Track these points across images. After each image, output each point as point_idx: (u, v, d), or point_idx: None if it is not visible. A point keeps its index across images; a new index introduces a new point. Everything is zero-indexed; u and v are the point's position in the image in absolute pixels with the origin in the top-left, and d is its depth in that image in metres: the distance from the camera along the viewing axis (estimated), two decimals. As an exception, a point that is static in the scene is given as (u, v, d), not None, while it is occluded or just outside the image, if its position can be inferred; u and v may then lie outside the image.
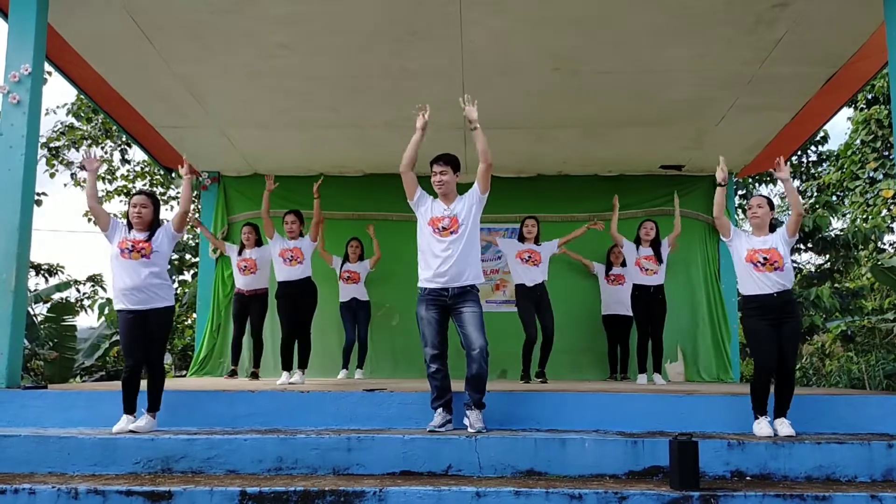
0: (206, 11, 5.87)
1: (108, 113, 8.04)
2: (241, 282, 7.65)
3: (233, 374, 7.69)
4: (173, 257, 13.38)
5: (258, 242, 7.75)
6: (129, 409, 4.69)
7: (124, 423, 4.62)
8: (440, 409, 4.70)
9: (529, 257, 7.20)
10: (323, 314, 7.67)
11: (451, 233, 4.83)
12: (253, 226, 7.85)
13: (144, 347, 4.76)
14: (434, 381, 4.75)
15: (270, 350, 8.39)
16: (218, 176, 9.51)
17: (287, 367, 6.73)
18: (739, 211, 13.08)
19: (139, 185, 13.93)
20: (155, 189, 13.99)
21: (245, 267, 7.59)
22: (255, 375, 7.64)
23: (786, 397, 4.78)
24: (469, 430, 4.62)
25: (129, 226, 4.91)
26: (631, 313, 8.07)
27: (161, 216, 5.06)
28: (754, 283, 4.86)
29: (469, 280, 4.82)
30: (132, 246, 4.77)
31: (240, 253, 7.78)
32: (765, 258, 4.82)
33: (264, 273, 7.63)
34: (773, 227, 5.11)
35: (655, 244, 7.29)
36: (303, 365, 6.78)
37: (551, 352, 7.26)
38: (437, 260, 4.80)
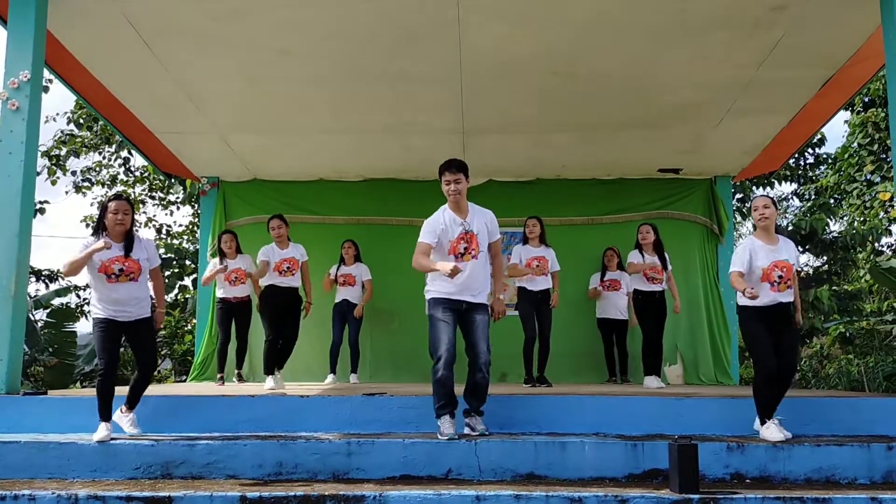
0: (205, 17, 5.88)
1: (107, 119, 8.04)
2: (229, 291, 7.54)
3: (221, 381, 7.59)
4: (173, 262, 13.39)
5: (239, 250, 7.64)
6: (108, 415, 4.57)
7: (104, 431, 4.47)
8: (448, 416, 4.62)
9: (538, 265, 7.17)
10: (315, 318, 7.65)
11: (472, 257, 4.77)
12: (233, 234, 7.71)
13: (118, 350, 4.72)
14: (444, 388, 4.61)
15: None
16: (217, 181, 9.52)
17: (270, 371, 6.74)
18: (737, 214, 13.10)
19: (138, 189, 13.95)
20: (154, 194, 14.01)
21: (236, 278, 7.50)
22: (239, 377, 7.62)
23: (782, 394, 4.78)
24: (473, 432, 4.63)
25: (97, 231, 4.67)
26: (625, 317, 8.09)
27: (137, 224, 4.95)
28: (763, 296, 4.77)
29: (482, 298, 4.84)
30: (120, 270, 4.58)
31: (221, 263, 7.56)
32: (780, 276, 4.77)
33: (249, 281, 7.61)
34: (777, 230, 5.08)
35: (659, 248, 7.28)
36: (280, 366, 6.87)
37: (549, 356, 7.25)
38: (458, 281, 4.70)
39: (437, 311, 4.74)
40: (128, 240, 4.69)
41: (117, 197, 4.79)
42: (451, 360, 4.64)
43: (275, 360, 6.80)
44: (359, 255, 8.31)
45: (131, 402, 4.77)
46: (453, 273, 4.55)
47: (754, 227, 5.10)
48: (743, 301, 4.88)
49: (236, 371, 7.70)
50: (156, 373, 5.51)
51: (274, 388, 6.46)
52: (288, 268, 6.89)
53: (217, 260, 7.66)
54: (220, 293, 7.63)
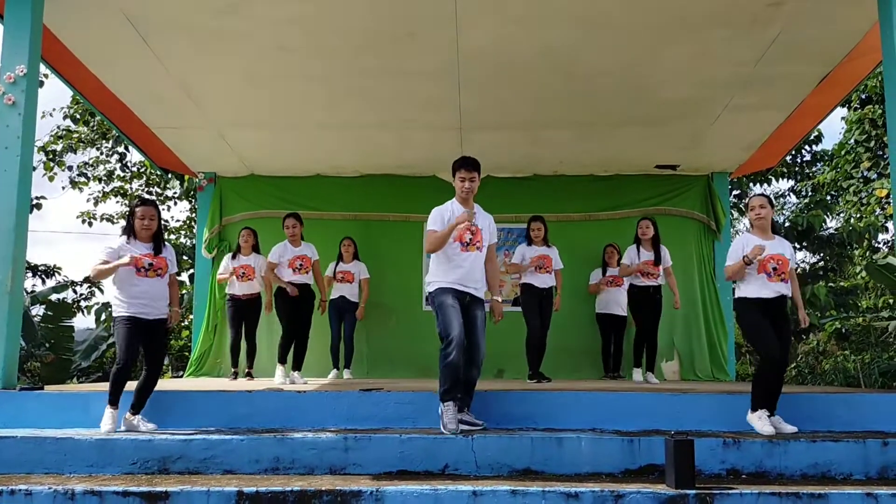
0: (203, 13, 5.86)
1: (104, 115, 8.02)
2: (237, 287, 7.57)
3: (235, 375, 7.67)
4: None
5: (255, 247, 7.70)
6: (116, 402, 4.72)
7: (110, 420, 4.63)
8: (453, 403, 4.59)
9: (542, 265, 7.16)
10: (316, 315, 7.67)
11: (476, 249, 4.88)
12: (252, 230, 7.78)
13: (140, 347, 4.86)
14: (454, 371, 4.59)
15: (266, 350, 8.38)
16: (214, 177, 9.51)
17: (283, 360, 6.86)
18: (734, 211, 13.13)
19: (135, 185, 13.92)
20: (151, 189, 13.99)
21: (243, 274, 7.53)
22: (249, 376, 7.65)
23: (779, 392, 4.81)
24: (475, 427, 4.63)
25: (128, 234, 4.93)
26: (625, 313, 8.08)
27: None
28: (759, 287, 4.81)
29: (482, 293, 4.92)
30: (149, 265, 4.84)
31: (234, 257, 7.67)
32: (774, 268, 4.79)
33: (258, 278, 7.62)
34: (774, 227, 5.10)
35: (655, 244, 7.28)
36: (298, 367, 6.92)
37: (545, 353, 7.25)
38: (461, 270, 4.83)
39: (446, 298, 4.76)
40: (156, 240, 4.97)
41: (144, 202, 5.06)
42: (462, 343, 4.65)
43: (286, 352, 6.95)
44: (357, 252, 8.31)
45: (137, 407, 4.83)
46: (468, 217, 4.73)
47: (751, 223, 5.10)
48: (743, 293, 4.90)
49: (246, 370, 7.71)
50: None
51: (284, 381, 6.53)
52: (301, 265, 6.96)
53: (229, 256, 7.74)
54: (228, 290, 7.69)
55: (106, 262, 4.79)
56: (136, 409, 4.81)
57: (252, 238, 7.69)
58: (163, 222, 5.18)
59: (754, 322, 4.85)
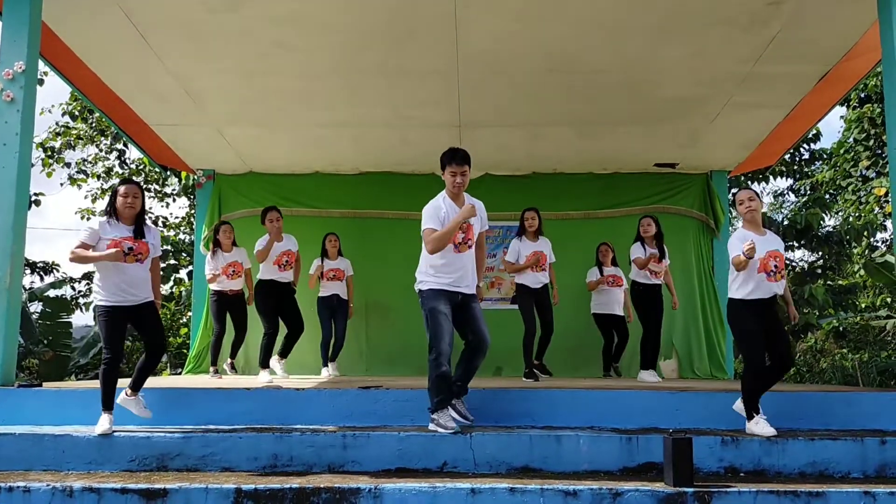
0: (202, 10, 5.86)
1: (103, 111, 8.01)
2: (226, 284, 7.47)
3: (215, 373, 7.59)
4: (169, 255, 13.40)
5: (235, 241, 7.62)
6: (110, 405, 4.58)
7: (107, 423, 4.46)
8: (447, 410, 4.59)
9: (537, 262, 7.01)
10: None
11: (468, 247, 4.81)
12: (231, 225, 7.69)
13: (124, 339, 4.76)
14: (446, 382, 4.58)
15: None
16: (213, 174, 9.50)
17: (266, 364, 6.72)
18: (733, 210, 13.11)
19: (134, 182, 13.89)
20: (150, 187, 13.98)
21: (234, 271, 7.47)
22: (233, 367, 7.62)
23: (773, 384, 4.78)
24: (465, 420, 4.62)
25: (109, 214, 4.69)
26: (622, 313, 8.05)
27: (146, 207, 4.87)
28: (755, 288, 4.75)
29: (473, 289, 4.87)
30: (130, 249, 4.61)
31: (214, 255, 7.51)
32: (776, 266, 4.77)
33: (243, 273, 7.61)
34: (765, 223, 5.07)
35: (659, 241, 7.25)
36: (285, 355, 6.99)
37: (550, 343, 7.21)
38: (456, 274, 4.75)
39: (438, 304, 4.68)
40: (138, 222, 4.73)
41: (127, 181, 4.82)
42: (450, 353, 4.63)
43: (271, 354, 6.82)
44: (341, 249, 8.26)
45: (137, 385, 4.74)
46: (472, 212, 4.66)
47: (742, 218, 5.06)
48: (737, 294, 4.83)
49: (229, 360, 7.67)
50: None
51: (270, 381, 6.46)
52: (287, 262, 6.92)
53: (209, 256, 7.60)
54: (215, 286, 7.59)
55: (85, 246, 4.57)
56: (135, 388, 4.72)
57: (232, 233, 7.59)
58: (147, 208, 4.98)
59: (744, 327, 4.79)
